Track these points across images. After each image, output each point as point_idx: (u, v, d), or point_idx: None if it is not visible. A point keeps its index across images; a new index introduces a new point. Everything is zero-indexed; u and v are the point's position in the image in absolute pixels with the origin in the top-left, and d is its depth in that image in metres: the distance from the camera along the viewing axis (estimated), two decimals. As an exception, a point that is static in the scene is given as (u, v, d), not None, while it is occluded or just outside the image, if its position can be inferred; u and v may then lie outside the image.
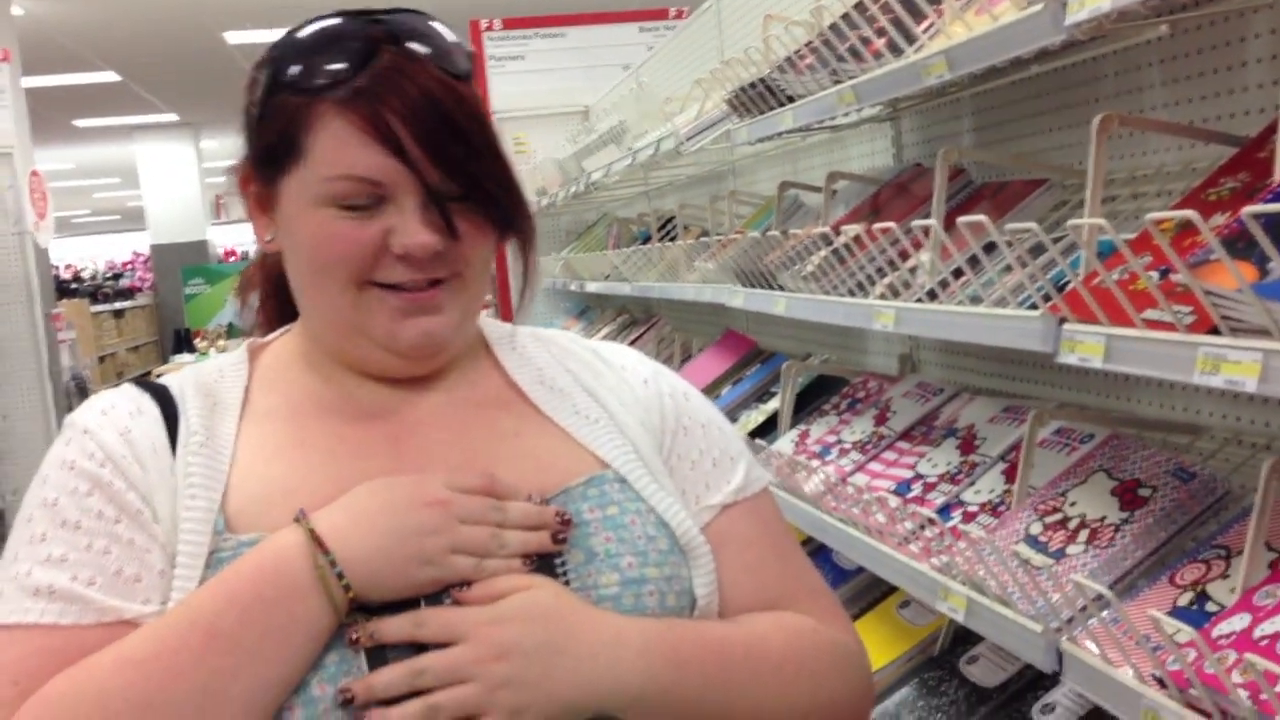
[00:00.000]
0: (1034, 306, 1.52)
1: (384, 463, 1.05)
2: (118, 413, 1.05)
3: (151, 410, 1.06)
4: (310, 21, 1.05)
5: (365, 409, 1.09)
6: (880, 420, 2.38)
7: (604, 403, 1.14)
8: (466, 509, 0.98)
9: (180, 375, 1.12)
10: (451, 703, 0.92)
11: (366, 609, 0.96)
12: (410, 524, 0.96)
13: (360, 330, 1.05)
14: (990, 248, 1.69)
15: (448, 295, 1.05)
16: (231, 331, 10.20)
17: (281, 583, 0.94)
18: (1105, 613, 1.41)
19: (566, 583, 1.01)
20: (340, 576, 0.94)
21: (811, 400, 2.76)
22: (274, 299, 1.20)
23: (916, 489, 2.04)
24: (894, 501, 1.97)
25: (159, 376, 1.15)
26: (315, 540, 0.95)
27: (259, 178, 1.08)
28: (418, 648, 0.95)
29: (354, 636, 0.94)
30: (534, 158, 5.20)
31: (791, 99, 2.35)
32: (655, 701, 0.99)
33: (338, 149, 1.00)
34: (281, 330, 1.18)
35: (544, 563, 1.01)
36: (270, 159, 1.05)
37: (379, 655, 0.95)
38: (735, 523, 1.13)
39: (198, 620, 0.94)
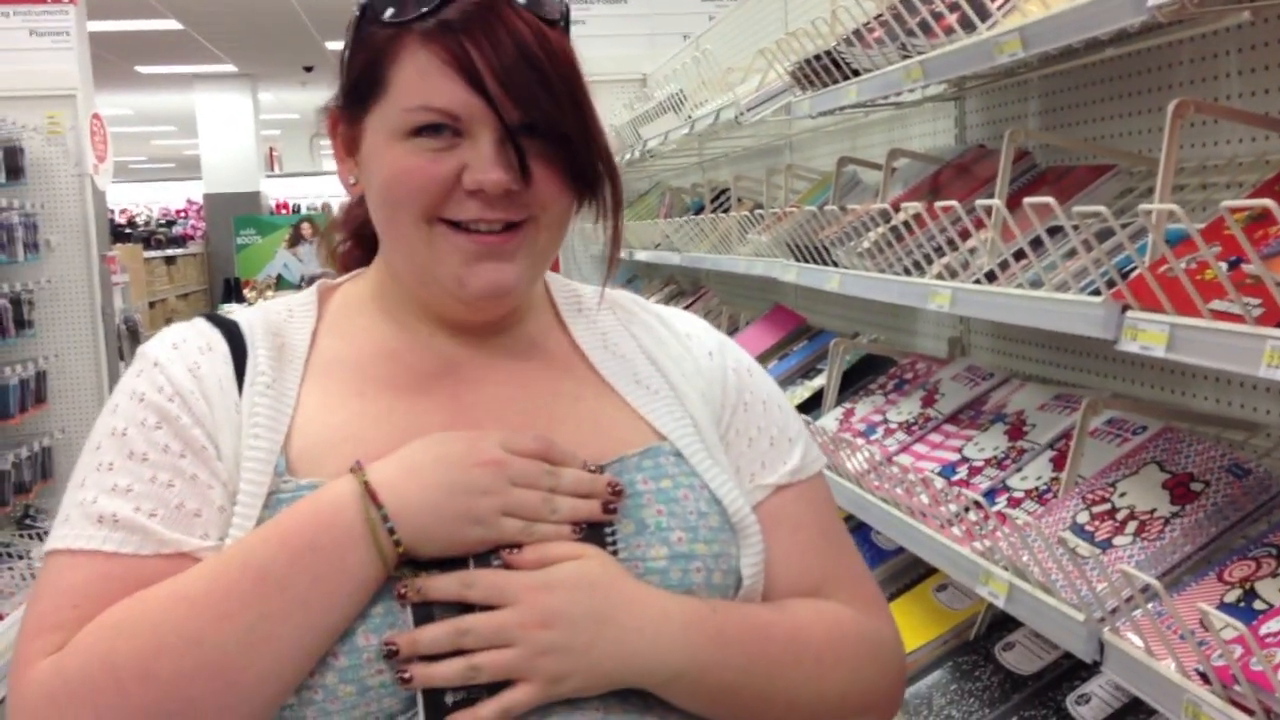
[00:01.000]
0: (1096, 292, 1.50)
1: (443, 417, 1.05)
2: (188, 347, 1.06)
3: (221, 347, 1.06)
4: None
5: (429, 361, 1.10)
6: (928, 402, 2.36)
7: (666, 372, 1.13)
8: (520, 471, 0.98)
9: (250, 312, 1.13)
10: (493, 665, 0.93)
11: (416, 563, 0.96)
12: (463, 482, 0.96)
13: (430, 272, 1.05)
14: (1053, 232, 1.66)
15: (519, 242, 1.04)
16: (280, 283, 10.29)
17: (334, 532, 0.95)
18: (1150, 605, 1.40)
19: (615, 552, 1.01)
20: (391, 531, 0.95)
21: (858, 379, 2.75)
22: (357, 247, 1.21)
23: (962, 472, 2.03)
24: (939, 483, 1.95)
25: (229, 313, 1.16)
26: (369, 492, 0.95)
27: (345, 117, 1.09)
28: (464, 606, 0.95)
29: (401, 591, 0.95)
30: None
31: (857, 73, 2.33)
32: (695, 680, 0.99)
33: (418, 80, 1.00)
34: (353, 274, 1.19)
35: (593, 531, 1.00)
36: (356, 95, 1.06)
37: (425, 611, 0.95)
38: (787, 504, 1.12)
39: (249, 562, 0.95)
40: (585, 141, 1.04)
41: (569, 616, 0.95)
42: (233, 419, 1.02)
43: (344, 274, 1.21)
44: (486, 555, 0.97)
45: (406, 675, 0.93)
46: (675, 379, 1.13)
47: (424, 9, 1.01)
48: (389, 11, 1.02)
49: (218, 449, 1.01)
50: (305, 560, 0.94)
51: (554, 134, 1.02)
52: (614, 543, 1.01)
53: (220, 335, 1.08)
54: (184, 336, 1.07)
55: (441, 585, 0.95)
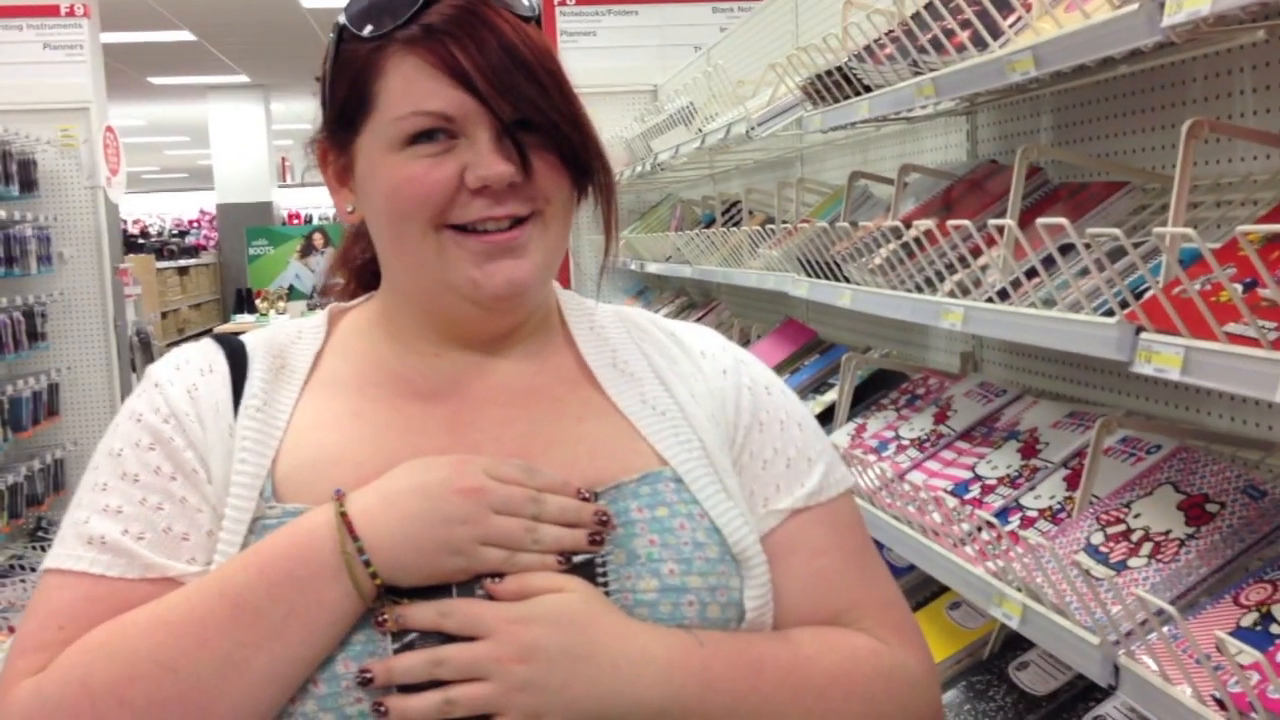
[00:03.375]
0: (1109, 312, 1.49)
1: (437, 440, 1.04)
2: (190, 369, 1.06)
3: (222, 368, 1.07)
4: None
5: (431, 380, 1.09)
6: (940, 418, 2.35)
7: (675, 392, 1.11)
8: (501, 498, 0.96)
9: (260, 333, 1.13)
10: (467, 699, 0.92)
11: (400, 591, 0.95)
12: (441, 511, 0.95)
13: (443, 281, 1.04)
14: (1065, 249, 1.65)
15: (529, 236, 1.04)
16: (292, 293, 10.31)
17: (311, 564, 0.94)
18: (1166, 628, 1.38)
19: (605, 583, 0.99)
20: (367, 564, 0.94)
21: (870, 394, 2.74)
22: (360, 289, 1.20)
23: (974, 490, 2.02)
24: (951, 502, 1.94)
25: (242, 334, 1.16)
26: (345, 524, 0.95)
27: (335, 145, 1.09)
28: (447, 636, 0.94)
29: (380, 619, 0.94)
30: (600, 136, 5.18)
31: (868, 88, 2.32)
32: (677, 719, 0.96)
33: (407, 87, 1.00)
34: (364, 297, 1.18)
35: (583, 561, 0.99)
36: (344, 118, 1.06)
37: (406, 640, 0.95)
38: (805, 529, 1.08)
39: (227, 590, 0.95)
40: (577, 130, 1.04)
41: (546, 652, 0.93)
42: (225, 442, 1.02)
43: (348, 298, 1.20)
44: (469, 584, 0.96)
45: (382, 708, 0.92)
46: (684, 399, 1.10)
47: (403, 18, 1.01)
48: (368, 28, 1.02)
49: (208, 472, 1.01)
50: (281, 591, 0.94)
51: (547, 125, 1.02)
52: (604, 574, 0.99)
53: (223, 356, 1.08)
54: (188, 358, 1.08)
55: (419, 614, 0.94)
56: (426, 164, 1.00)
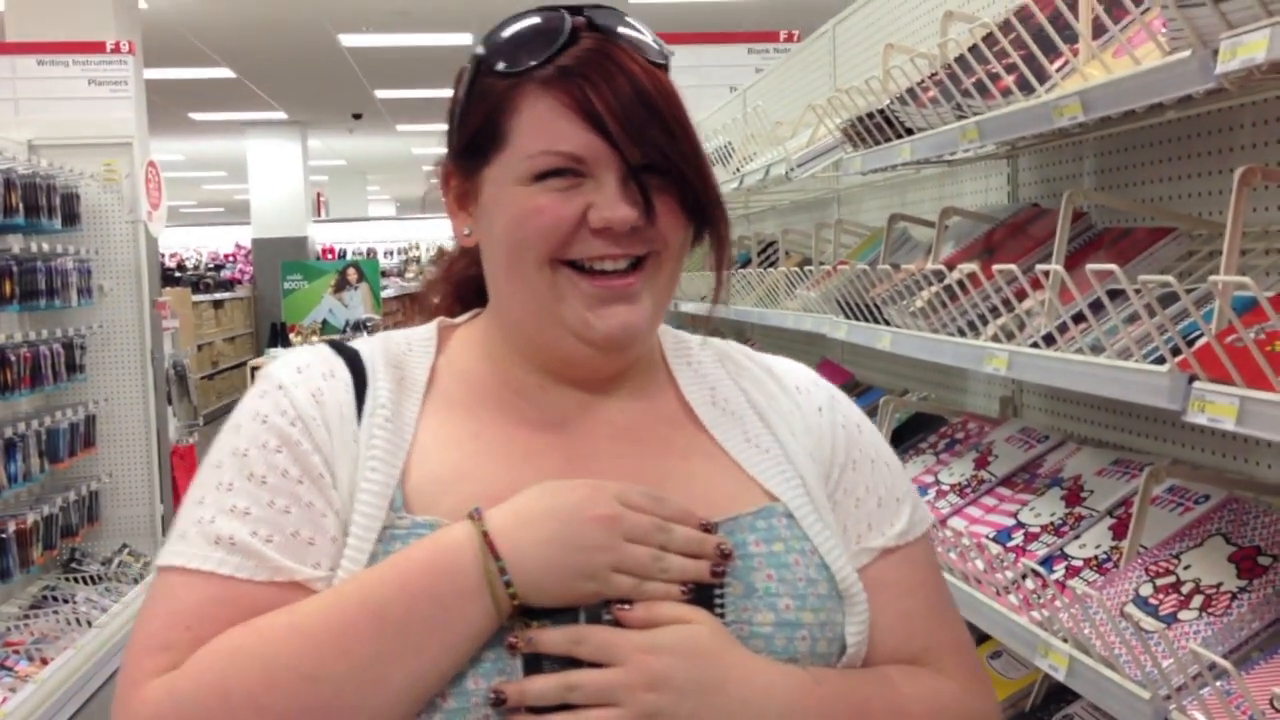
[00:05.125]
0: (1159, 360, 1.47)
1: (558, 468, 1.05)
2: (312, 372, 1.07)
3: (343, 374, 1.07)
4: (513, 16, 1.08)
5: (542, 414, 1.10)
6: (981, 464, 2.32)
7: (775, 430, 1.12)
8: (634, 527, 0.98)
9: (370, 342, 1.13)
10: None
11: (528, 611, 0.96)
12: (578, 536, 0.96)
13: (554, 316, 1.05)
14: (1112, 295, 1.64)
15: (643, 281, 1.05)
16: (325, 328, 10.36)
17: (452, 580, 0.95)
18: (1219, 683, 1.36)
19: (722, 614, 1.00)
20: (508, 584, 0.95)
21: (908, 437, 2.71)
22: (456, 303, 1.21)
23: (1018, 538, 1.99)
24: (994, 549, 1.92)
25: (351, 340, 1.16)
26: (487, 543, 0.96)
27: (461, 171, 1.10)
28: (572, 659, 0.95)
29: (512, 641, 0.95)
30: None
31: (909, 131, 2.32)
32: None
33: (541, 126, 1.02)
34: (470, 314, 1.19)
35: (702, 591, 1.00)
36: (474, 148, 1.07)
37: (534, 659, 0.96)
38: (893, 568, 1.09)
39: (367, 602, 0.95)
40: (700, 177, 1.05)
41: (675, 682, 0.94)
42: (350, 448, 1.03)
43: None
44: (597, 607, 0.97)
45: None
46: (784, 437, 1.12)
47: (540, 58, 1.03)
48: (504, 64, 1.04)
49: (334, 477, 1.01)
50: (423, 606, 0.94)
51: (673, 171, 1.03)
52: (721, 604, 1.00)
53: (343, 362, 1.08)
54: (308, 361, 1.08)
55: (552, 639, 0.95)
56: (553, 199, 1.02)
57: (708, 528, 1.01)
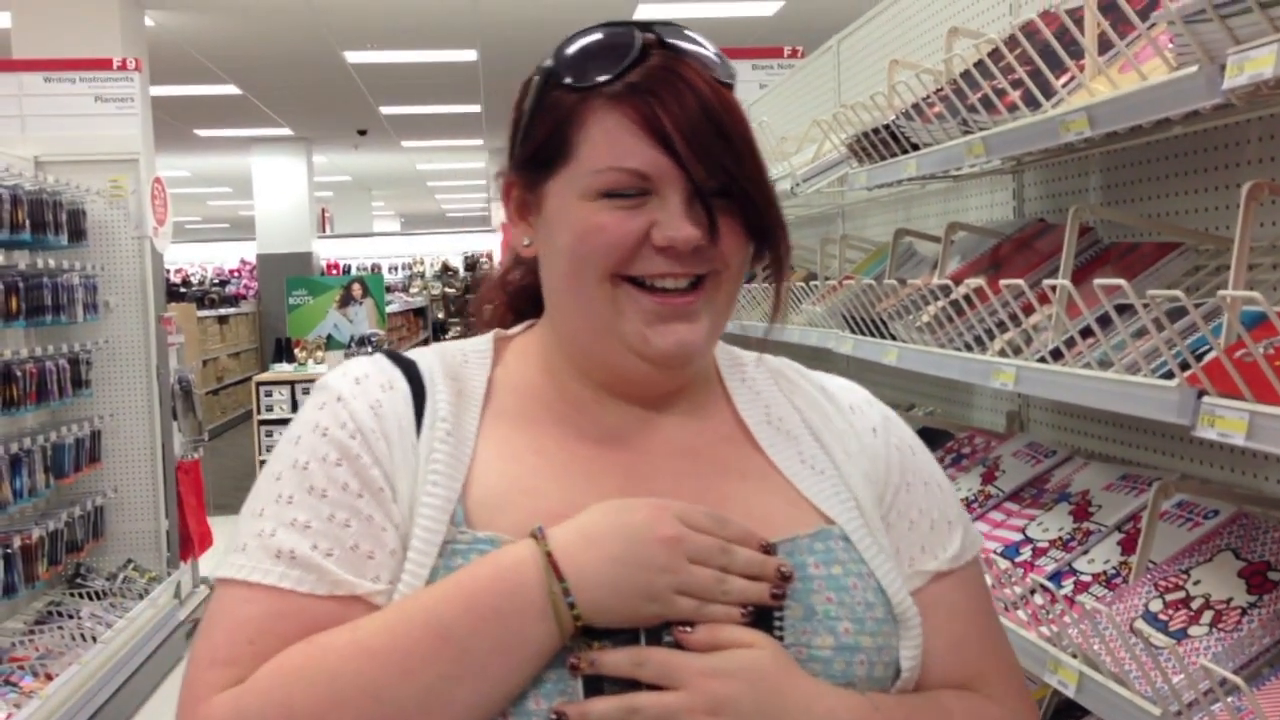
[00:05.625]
0: (1168, 374, 1.47)
1: (619, 486, 1.04)
2: (370, 384, 1.06)
3: (401, 386, 1.06)
4: (582, 31, 1.08)
5: (600, 430, 1.09)
6: (988, 479, 2.32)
7: (830, 451, 1.11)
8: (697, 548, 0.97)
9: (425, 354, 1.12)
10: None
11: (587, 630, 0.96)
12: (642, 557, 0.96)
13: (613, 331, 1.04)
14: (1120, 310, 1.64)
15: (703, 300, 1.04)
16: (330, 343, 10.37)
17: (517, 601, 0.94)
18: (1230, 699, 1.35)
19: (781, 636, 0.99)
20: (571, 606, 0.94)
21: (915, 452, 2.71)
22: (509, 311, 1.21)
23: (1025, 553, 1.99)
24: (1002, 564, 1.91)
25: (400, 349, 1.16)
26: (551, 564, 0.95)
27: (524, 182, 1.09)
28: (633, 680, 0.95)
29: (574, 663, 0.95)
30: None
31: (915, 146, 2.32)
32: None
33: (608, 142, 1.02)
34: (525, 325, 1.18)
35: (762, 613, 0.99)
36: (538, 160, 1.07)
37: (595, 680, 0.95)
38: (946, 592, 1.08)
39: (431, 622, 0.94)
40: (764, 199, 1.05)
41: (737, 707, 0.94)
42: (410, 461, 1.02)
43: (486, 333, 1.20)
44: (658, 628, 0.97)
45: None
46: (839, 458, 1.11)
47: (610, 74, 1.03)
48: (573, 78, 1.04)
49: (394, 491, 1.01)
50: (488, 626, 0.94)
51: (737, 192, 1.03)
52: (780, 626, 1.00)
53: (401, 374, 1.07)
54: (366, 372, 1.07)
55: (615, 661, 0.95)
56: (618, 215, 1.02)
57: (768, 549, 1.00)
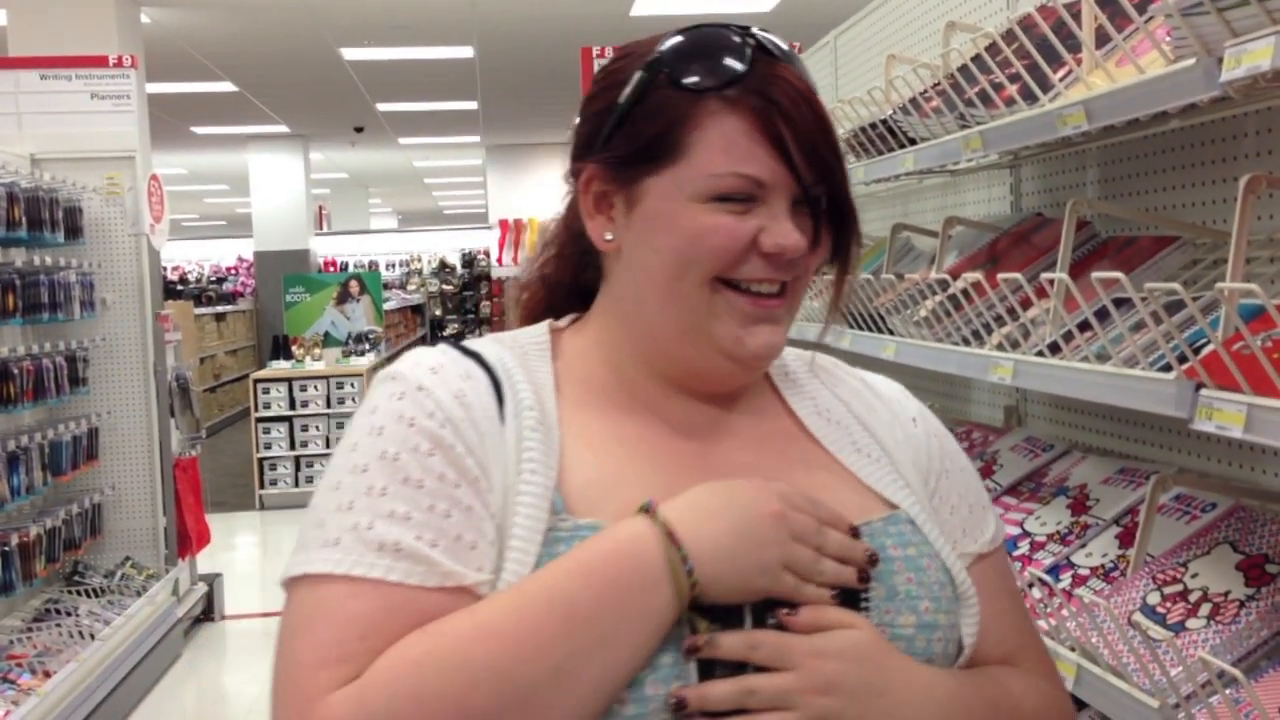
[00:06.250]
0: (1166, 368, 1.47)
1: (701, 474, 1.04)
2: (448, 374, 1.04)
3: (480, 375, 1.05)
4: (688, 29, 1.08)
5: (672, 424, 1.10)
6: (986, 473, 2.32)
7: (880, 439, 1.14)
8: (798, 526, 0.99)
9: (487, 343, 1.12)
10: None
11: (697, 608, 0.97)
12: (755, 531, 0.97)
13: (706, 332, 1.05)
14: (1118, 303, 1.64)
15: (786, 304, 1.07)
16: (327, 340, 10.36)
17: (639, 570, 0.95)
18: (1229, 691, 1.35)
19: (867, 616, 1.02)
20: (690, 573, 0.95)
21: (913, 447, 2.71)
22: (544, 306, 1.21)
23: (1023, 547, 1.99)
24: (1000, 558, 1.91)
25: (464, 340, 1.15)
26: (669, 534, 0.96)
27: (613, 176, 1.08)
28: (740, 664, 0.96)
29: (694, 644, 0.95)
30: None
31: (913, 141, 2.32)
32: None
33: (727, 146, 1.02)
34: (573, 317, 1.18)
35: (848, 594, 1.01)
36: (641, 156, 1.06)
37: (707, 665, 0.96)
38: (986, 572, 1.12)
39: (554, 599, 0.94)
40: (852, 207, 1.08)
41: (846, 686, 0.96)
42: (500, 450, 1.01)
43: (525, 324, 1.20)
44: (759, 607, 0.98)
45: None
46: (889, 446, 1.14)
47: (728, 77, 1.03)
48: (691, 79, 1.04)
49: (489, 480, 1.00)
50: (610, 598, 0.94)
51: (835, 200, 1.05)
52: (867, 607, 1.02)
53: (475, 363, 1.07)
54: (440, 362, 1.06)
55: (730, 644, 0.96)
56: (730, 220, 1.03)
57: (855, 532, 1.02)
